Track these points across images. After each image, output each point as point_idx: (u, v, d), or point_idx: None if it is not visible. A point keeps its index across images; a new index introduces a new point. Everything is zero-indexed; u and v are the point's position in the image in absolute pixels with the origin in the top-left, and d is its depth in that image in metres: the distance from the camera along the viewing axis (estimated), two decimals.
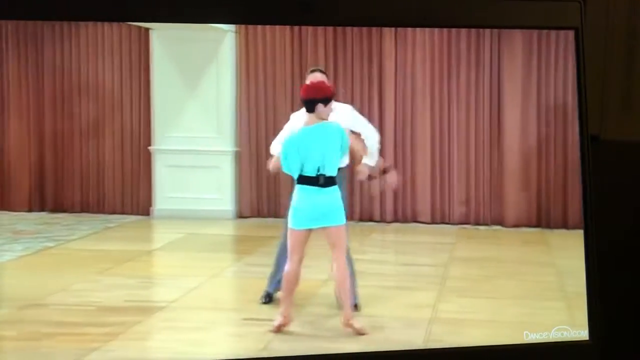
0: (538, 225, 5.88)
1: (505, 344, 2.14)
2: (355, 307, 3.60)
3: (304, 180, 3.31)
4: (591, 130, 2.08)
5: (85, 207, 6.18)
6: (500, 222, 5.92)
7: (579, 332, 2.09)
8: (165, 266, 4.86)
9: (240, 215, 5.97)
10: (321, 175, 3.28)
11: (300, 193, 3.34)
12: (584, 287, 4.11)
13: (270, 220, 5.90)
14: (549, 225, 5.86)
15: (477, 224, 5.91)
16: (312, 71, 3.74)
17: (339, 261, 3.38)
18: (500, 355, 2.07)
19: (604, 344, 2.07)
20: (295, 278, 3.41)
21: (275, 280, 3.73)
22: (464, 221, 5.92)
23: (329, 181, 3.30)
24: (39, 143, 6.29)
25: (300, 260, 3.40)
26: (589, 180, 2.05)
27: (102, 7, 1.87)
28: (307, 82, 3.64)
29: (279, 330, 3.34)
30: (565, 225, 5.85)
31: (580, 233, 5.85)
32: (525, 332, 2.14)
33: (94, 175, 6.21)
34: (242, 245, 5.51)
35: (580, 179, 2.07)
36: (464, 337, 3.31)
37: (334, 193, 3.34)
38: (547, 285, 4.17)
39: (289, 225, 3.39)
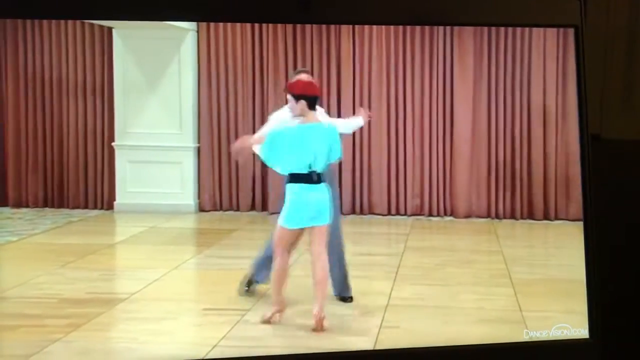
0: (487, 216, 6.09)
1: (505, 342, 2.16)
2: (351, 299, 3.70)
3: (296, 178, 3.30)
4: (591, 129, 2.05)
5: (48, 202, 6.24)
6: (452, 213, 6.13)
7: (579, 330, 2.10)
8: (127, 259, 4.88)
9: (201, 209, 6.09)
10: (313, 172, 3.30)
11: (294, 191, 3.31)
12: (532, 274, 4.25)
13: (230, 213, 6.05)
14: (497, 216, 6.08)
15: (430, 215, 6.11)
16: (299, 72, 3.72)
17: (323, 258, 3.38)
18: (500, 354, 2.08)
19: (604, 342, 2.07)
20: (285, 273, 3.41)
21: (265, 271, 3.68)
22: (418, 213, 6.11)
23: (320, 178, 3.31)
24: (2, 139, 6.29)
25: (288, 256, 3.41)
26: (589, 179, 2.03)
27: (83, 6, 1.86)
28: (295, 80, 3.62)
29: (271, 320, 3.38)
30: (512, 215, 6.09)
31: (528, 223, 5.99)
32: (525, 331, 2.15)
33: (57, 171, 6.25)
34: (203, 238, 5.61)
35: (580, 178, 2.05)
36: (417, 322, 3.42)
37: (325, 190, 3.34)
38: (495, 273, 4.30)
39: (281, 223, 3.35)
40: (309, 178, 3.30)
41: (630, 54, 2.61)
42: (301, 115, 3.35)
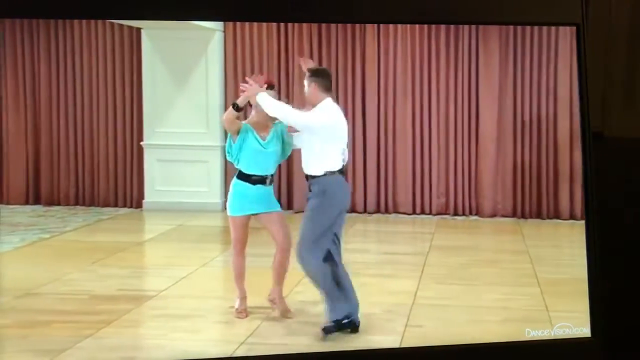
0: (513, 215, 6.05)
1: (507, 341, 2.22)
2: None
3: None
4: (594, 127, 2.07)
5: (79, 201, 6.35)
6: (477, 212, 6.10)
7: (581, 329, 2.14)
8: (156, 256, 4.95)
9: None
10: None
11: None
12: (558, 274, 4.21)
13: None
14: (523, 216, 6.04)
15: (456, 214, 6.09)
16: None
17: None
18: (503, 352, 2.12)
19: (606, 341, 2.11)
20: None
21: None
22: (443, 212, 6.10)
23: None
24: (35, 139, 6.43)
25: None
26: (590, 177, 2.06)
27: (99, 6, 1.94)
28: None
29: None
30: (539, 215, 6.04)
31: (554, 223, 5.89)
32: (526, 330, 2.20)
33: (88, 170, 6.37)
34: (230, 236, 5.55)
35: (582, 176, 2.09)
36: (442, 321, 3.42)
37: None
38: (521, 272, 4.28)
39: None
40: None
41: (633, 52, 2.59)
42: None
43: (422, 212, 6.11)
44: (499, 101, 6.08)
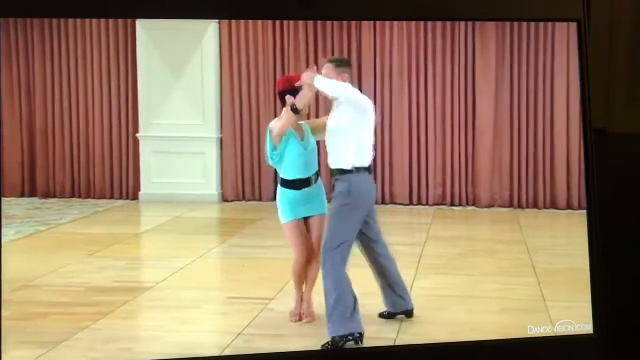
0: (510, 205, 6.08)
1: (510, 338, 2.22)
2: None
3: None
4: (597, 124, 2.06)
5: (75, 193, 6.36)
6: (474, 203, 6.12)
7: (584, 325, 2.14)
8: (153, 248, 4.97)
9: (224, 199, 6.16)
10: None
11: None
12: (555, 264, 4.21)
13: (253, 203, 6.12)
14: (520, 206, 6.07)
15: (453, 205, 6.11)
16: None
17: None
18: (505, 350, 2.12)
19: (609, 338, 2.11)
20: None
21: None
22: (440, 202, 6.11)
23: None
24: (30, 132, 6.42)
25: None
26: (592, 173, 2.06)
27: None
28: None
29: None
30: (536, 205, 6.06)
31: (551, 213, 5.89)
32: (529, 327, 2.19)
33: (84, 162, 6.37)
34: (226, 228, 5.66)
35: (584, 172, 2.10)
36: (440, 312, 3.41)
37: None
38: (518, 262, 4.29)
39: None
40: None
41: (636, 47, 2.57)
42: None
43: (419, 202, 6.12)
44: (496, 92, 6.08)
